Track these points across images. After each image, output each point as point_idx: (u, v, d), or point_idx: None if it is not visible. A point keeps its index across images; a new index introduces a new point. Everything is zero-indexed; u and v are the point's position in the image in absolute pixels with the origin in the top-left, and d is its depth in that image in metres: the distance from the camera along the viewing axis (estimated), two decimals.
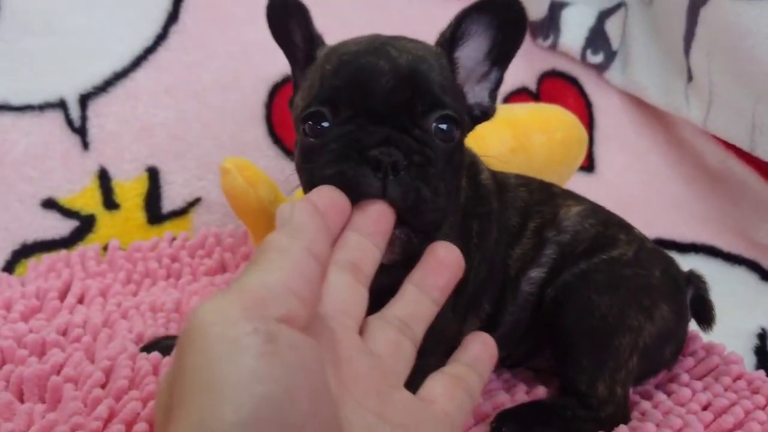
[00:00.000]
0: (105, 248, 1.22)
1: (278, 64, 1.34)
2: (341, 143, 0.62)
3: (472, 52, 0.74)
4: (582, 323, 0.81)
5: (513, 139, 1.14)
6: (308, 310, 0.44)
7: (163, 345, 0.90)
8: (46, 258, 1.18)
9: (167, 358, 0.86)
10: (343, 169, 0.59)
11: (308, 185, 0.66)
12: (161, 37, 1.29)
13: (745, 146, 1.21)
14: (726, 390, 0.86)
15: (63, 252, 1.20)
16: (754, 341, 1.07)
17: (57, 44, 1.23)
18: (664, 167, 1.41)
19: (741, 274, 1.25)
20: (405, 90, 0.63)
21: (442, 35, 0.74)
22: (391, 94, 0.63)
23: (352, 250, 0.55)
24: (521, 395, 0.86)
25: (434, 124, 0.65)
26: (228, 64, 1.32)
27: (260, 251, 0.45)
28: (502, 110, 1.21)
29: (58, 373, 0.85)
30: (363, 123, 0.62)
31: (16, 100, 1.21)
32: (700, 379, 0.90)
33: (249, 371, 0.38)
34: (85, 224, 1.25)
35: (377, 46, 0.67)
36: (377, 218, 0.57)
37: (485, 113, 0.76)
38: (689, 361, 0.93)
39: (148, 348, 0.90)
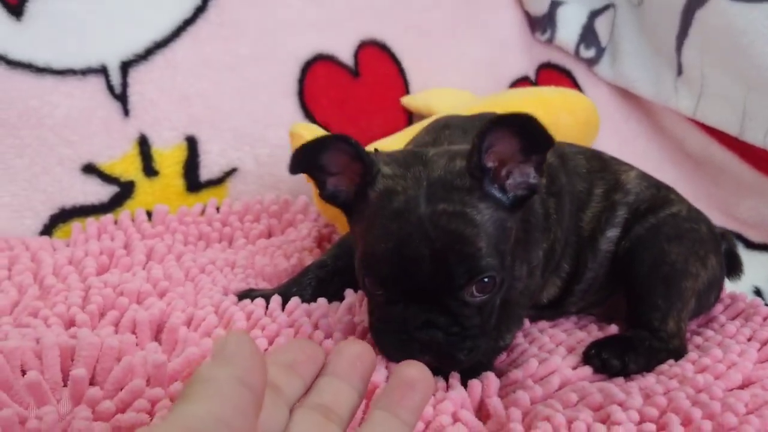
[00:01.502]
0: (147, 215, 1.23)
1: (309, 43, 1.41)
2: (392, 325, 0.75)
3: (504, 148, 0.74)
4: (656, 269, 0.94)
5: (546, 116, 1.24)
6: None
7: (257, 295, 0.94)
8: (93, 221, 1.17)
9: (272, 304, 0.90)
10: (396, 351, 0.76)
11: (379, 340, 0.79)
12: (200, 10, 1.31)
13: (734, 132, 1.38)
14: (761, 326, 1.00)
15: (109, 216, 1.20)
16: (752, 297, 1.22)
17: (100, 10, 1.24)
18: (652, 152, 1.57)
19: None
20: (443, 274, 0.72)
21: (469, 158, 0.74)
22: (431, 280, 0.72)
23: (324, 393, 0.54)
24: (595, 332, 0.97)
25: (474, 287, 0.74)
26: (262, 39, 1.36)
27: (189, 383, 0.44)
28: (530, 91, 1.34)
29: (167, 317, 0.87)
30: (410, 301, 0.74)
31: (57, 64, 1.21)
32: (733, 319, 1.04)
33: None
34: (125, 190, 1.25)
35: (417, 224, 0.71)
36: (353, 361, 0.57)
37: (532, 190, 0.77)
38: (719, 306, 1.07)
39: (244, 296, 0.94)
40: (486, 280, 0.73)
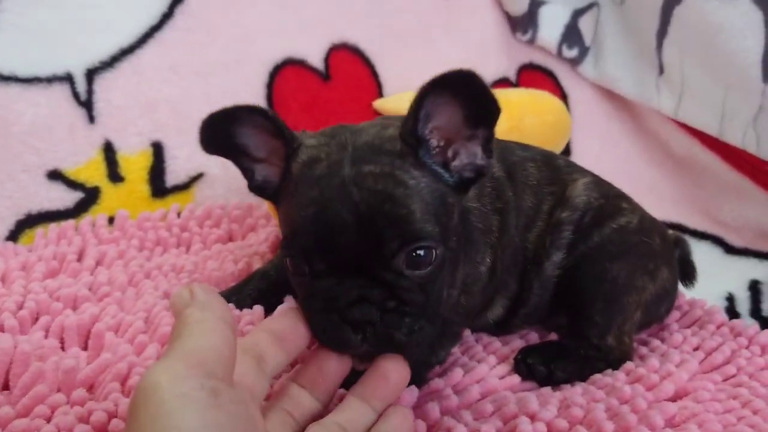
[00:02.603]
0: (110, 221, 1.25)
1: (279, 47, 1.41)
2: (320, 302, 0.66)
3: (447, 119, 0.68)
4: (596, 287, 0.90)
5: (508, 120, 1.22)
6: (232, 369, 0.52)
7: None
8: (54, 227, 1.19)
9: None
10: (330, 334, 0.66)
11: (312, 324, 0.68)
12: (167, 16, 1.32)
13: (714, 132, 1.33)
14: (712, 335, 0.96)
15: (71, 221, 1.21)
16: (724, 303, 1.18)
17: (66, 17, 1.25)
18: (635, 153, 1.53)
19: (707, 248, 1.37)
20: (370, 240, 0.64)
21: (404, 124, 0.68)
22: (358, 248, 0.64)
23: (289, 399, 0.64)
24: (535, 341, 0.94)
25: (407, 257, 0.65)
26: (231, 45, 1.36)
27: (181, 324, 0.52)
28: (498, 94, 1.31)
29: (97, 322, 0.88)
30: (339, 275, 0.66)
31: (23, 72, 1.23)
32: (687, 327, 1.00)
33: (200, 421, 0.46)
34: (90, 196, 1.27)
35: (339, 187, 0.65)
36: (321, 377, 0.66)
37: (479, 172, 0.71)
38: (675, 314, 1.03)
39: None
40: (422, 252, 0.65)
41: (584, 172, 1.00)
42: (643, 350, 0.94)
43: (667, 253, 0.97)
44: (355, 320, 0.64)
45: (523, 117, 1.24)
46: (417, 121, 0.67)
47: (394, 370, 0.66)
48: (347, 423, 0.62)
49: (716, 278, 1.24)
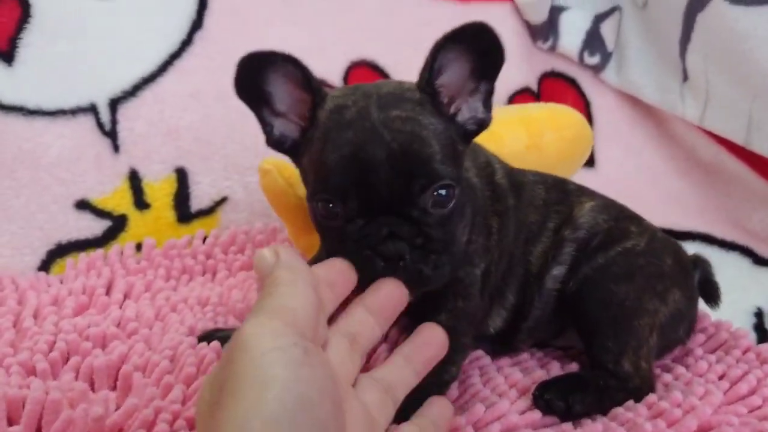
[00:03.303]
0: (138, 247, 1.27)
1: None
2: (353, 242, 0.71)
3: (454, 75, 0.75)
4: (603, 311, 0.89)
5: (528, 137, 1.21)
6: (317, 331, 0.56)
7: (218, 336, 0.96)
8: (84, 257, 1.22)
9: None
10: (361, 270, 0.71)
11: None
12: (186, 43, 1.34)
13: (740, 141, 1.31)
14: (738, 362, 0.95)
15: (99, 251, 1.24)
16: (752, 319, 1.16)
17: (87, 49, 1.28)
18: (660, 161, 1.51)
19: (735, 259, 1.35)
20: (402, 178, 0.70)
21: (421, 75, 0.75)
22: (390, 185, 0.70)
23: (356, 323, 0.68)
24: (556, 371, 0.94)
25: (434, 195, 0.71)
26: None
27: (272, 284, 0.56)
28: (517, 110, 1.31)
29: (125, 362, 0.91)
30: (369, 215, 0.71)
31: (48, 105, 1.26)
32: (712, 352, 0.99)
33: (294, 375, 0.49)
34: (118, 224, 1.30)
35: (371, 128, 0.70)
36: (385, 303, 0.70)
37: (481, 125, 0.78)
38: (700, 337, 1.02)
39: (204, 339, 0.96)
40: (443, 191, 0.71)
41: (594, 195, 1.01)
42: (667, 378, 0.93)
43: (679, 274, 0.96)
44: (389, 254, 0.70)
45: (543, 134, 1.23)
46: (432, 71, 0.74)
47: (436, 336, 0.73)
48: (395, 381, 0.68)
49: (745, 291, 1.23)
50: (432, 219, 0.72)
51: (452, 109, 0.77)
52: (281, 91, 0.78)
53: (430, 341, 0.73)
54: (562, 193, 1.00)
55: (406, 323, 1.01)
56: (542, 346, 1.02)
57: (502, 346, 0.99)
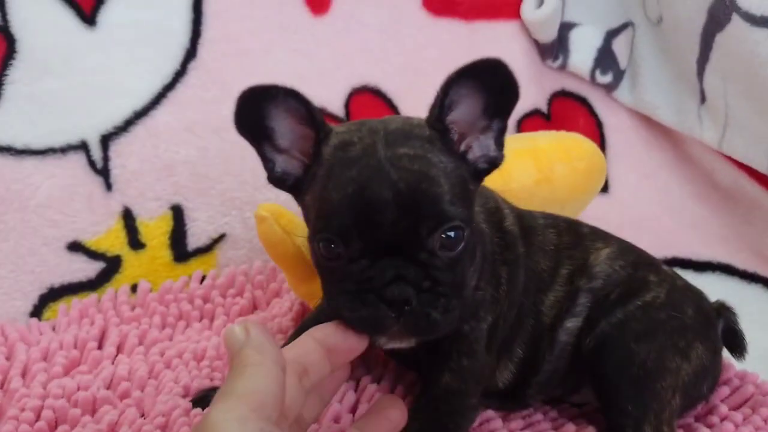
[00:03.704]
0: (133, 288, 1.23)
1: None
2: (358, 282, 0.67)
3: (467, 110, 0.72)
4: (623, 372, 0.84)
5: (537, 171, 1.15)
6: (281, 412, 0.55)
7: (212, 398, 0.91)
8: (77, 303, 1.17)
9: None
10: (362, 314, 0.66)
11: (332, 311, 0.70)
12: (180, 74, 1.28)
13: (762, 168, 1.24)
14: (766, 422, 0.89)
15: (93, 296, 1.20)
16: None
17: (76, 85, 1.22)
18: (676, 185, 1.44)
19: (757, 292, 1.29)
20: (409, 219, 0.66)
21: (432, 109, 0.72)
22: (396, 226, 0.66)
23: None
24: None
25: (442, 237, 0.68)
26: None
27: (239, 364, 0.55)
28: (525, 140, 1.24)
29: None
30: (373, 256, 0.67)
31: (37, 144, 1.21)
32: (737, 408, 0.94)
33: None
34: (112, 265, 1.25)
35: (378, 167, 0.67)
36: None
37: (492, 163, 0.75)
38: (725, 390, 0.96)
39: (199, 402, 0.91)
40: (452, 233, 0.68)
41: (609, 239, 0.96)
42: None
43: (701, 325, 0.90)
44: (393, 298, 0.65)
45: (553, 166, 1.17)
46: (443, 107, 0.71)
47: (395, 410, 0.71)
48: None
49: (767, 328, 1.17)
50: (440, 262, 0.68)
51: (463, 147, 0.74)
52: (283, 127, 0.74)
53: (389, 415, 0.70)
54: (576, 237, 0.95)
55: (414, 379, 0.97)
56: (556, 402, 0.97)
57: (512, 401, 0.94)
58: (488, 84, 0.70)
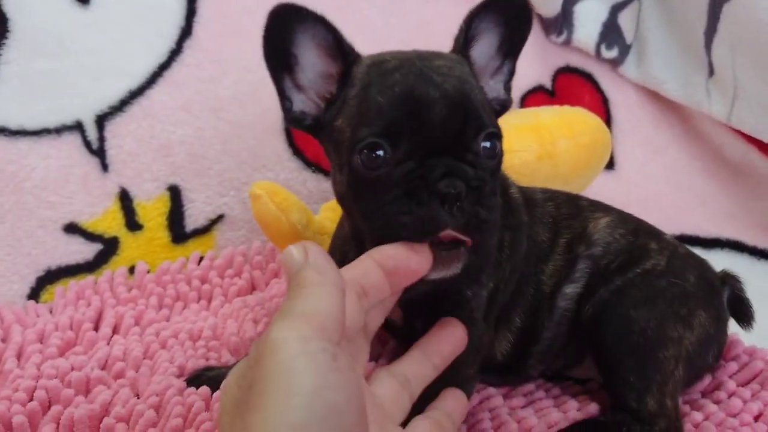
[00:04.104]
0: (131, 270, 1.21)
1: None
2: (408, 181, 0.65)
3: (484, 49, 0.76)
4: (623, 340, 0.82)
5: (539, 146, 1.13)
6: (344, 334, 0.54)
7: (208, 377, 0.89)
8: (74, 285, 1.16)
9: (217, 393, 0.85)
10: (418, 213, 0.63)
11: (378, 228, 0.66)
12: (175, 53, 1.26)
13: None
14: None
15: (90, 278, 1.18)
16: None
17: (71, 65, 1.20)
18: (685, 161, 1.41)
19: (767, 268, 1.26)
20: (457, 118, 0.66)
21: (456, 40, 0.76)
22: (446, 124, 0.66)
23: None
24: (573, 412, 0.86)
25: (482, 144, 0.68)
26: (244, 77, 1.29)
27: (299, 285, 0.53)
28: (527, 116, 1.22)
29: (108, 412, 0.85)
30: (422, 156, 0.65)
31: (32, 125, 1.19)
32: (745, 384, 0.91)
33: (322, 381, 0.47)
34: (109, 247, 1.23)
35: (420, 72, 0.68)
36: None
37: (503, 106, 0.79)
38: (733, 366, 0.94)
39: (193, 381, 0.89)
40: (489, 143, 0.68)
41: (609, 210, 0.95)
42: (697, 417, 0.85)
43: (704, 292, 0.88)
44: (447, 192, 0.63)
45: (556, 141, 1.14)
46: (467, 39, 0.74)
47: (454, 331, 0.71)
48: (412, 375, 0.67)
49: None
50: (484, 167, 0.68)
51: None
52: (307, 58, 0.74)
53: (449, 336, 0.71)
54: (574, 209, 0.93)
55: (398, 350, 0.94)
56: (559, 379, 0.94)
57: (512, 373, 0.91)
58: (506, 16, 0.74)
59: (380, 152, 0.66)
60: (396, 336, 0.94)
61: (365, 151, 0.67)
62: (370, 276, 0.61)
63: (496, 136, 0.69)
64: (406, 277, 0.63)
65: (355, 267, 0.61)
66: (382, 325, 0.69)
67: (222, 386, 0.54)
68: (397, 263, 0.62)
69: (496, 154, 0.69)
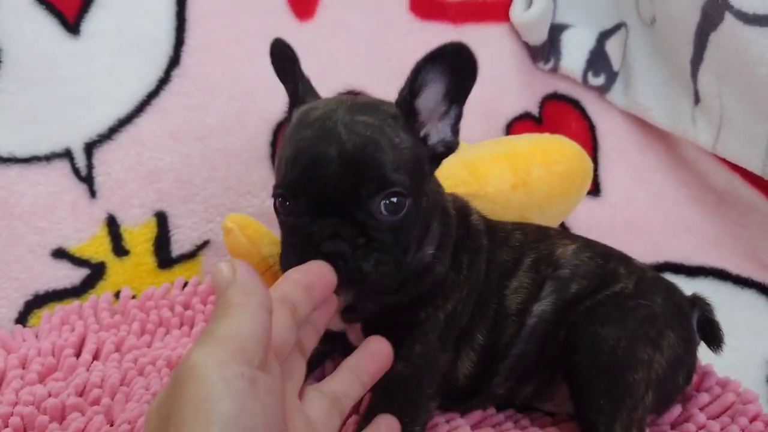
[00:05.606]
0: (117, 295, 1.23)
1: (281, 102, 1.35)
2: (298, 238, 0.72)
3: (430, 96, 0.78)
4: (593, 361, 0.82)
5: (513, 175, 1.13)
6: (267, 356, 0.53)
7: None
8: (59, 310, 1.18)
9: None
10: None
11: (284, 260, 0.75)
12: (163, 81, 1.29)
13: (757, 170, 1.20)
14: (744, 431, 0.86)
15: (75, 303, 1.20)
16: (766, 370, 1.07)
17: (60, 93, 1.23)
18: (670, 189, 1.41)
19: (750, 297, 1.25)
20: (350, 178, 0.70)
21: (401, 92, 0.77)
22: (338, 184, 0.70)
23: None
24: None
25: (382, 202, 0.72)
26: (231, 105, 1.32)
27: (223, 305, 0.53)
28: (503, 144, 1.22)
29: None
30: (315, 212, 0.72)
31: (21, 152, 1.21)
32: (716, 417, 0.91)
33: (238, 408, 0.47)
34: (96, 272, 1.25)
35: (331, 127, 0.72)
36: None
37: (449, 148, 0.81)
38: (704, 398, 0.93)
39: None
40: (395, 199, 0.72)
41: (577, 238, 0.96)
42: None
43: (671, 313, 0.88)
44: (328, 252, 0.69)
45: (530, 170, 1.14)
46: (412, 90, 0.76)
47: (382, 349, 0.71)
48: (342, 394, 0.67)
49: (759, 335, 1.14)
50: (380, 225, 0.72)
51: (423, 132, 0.79)
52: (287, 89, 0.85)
53: (375, 354, 0.71)
54: (542, 236, 0.95)
55: None
56: (529, 411, 0.94)
57: (477, 395, 0.91)
58: (452, 66, 0.75)
59: (287, 202, 0.74)
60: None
61: (279, 198, 0.75)
62: (294, 293, 0.62)
63: (401, 194, 0.72)
64: (322, 290, 0.66)
65: (282, 284, 0.63)
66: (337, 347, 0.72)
67: (145, 416, 0.56)
68: (312, 279, 0.64)
69: (402, 209, 0.73)
